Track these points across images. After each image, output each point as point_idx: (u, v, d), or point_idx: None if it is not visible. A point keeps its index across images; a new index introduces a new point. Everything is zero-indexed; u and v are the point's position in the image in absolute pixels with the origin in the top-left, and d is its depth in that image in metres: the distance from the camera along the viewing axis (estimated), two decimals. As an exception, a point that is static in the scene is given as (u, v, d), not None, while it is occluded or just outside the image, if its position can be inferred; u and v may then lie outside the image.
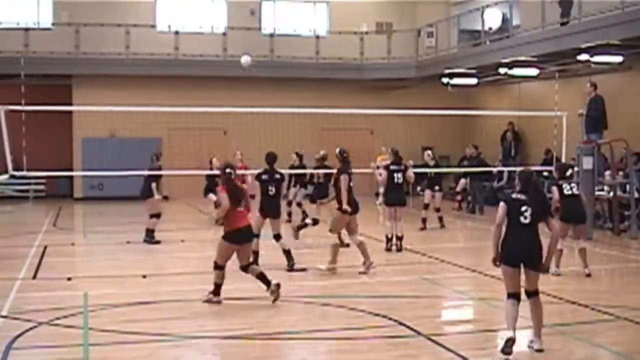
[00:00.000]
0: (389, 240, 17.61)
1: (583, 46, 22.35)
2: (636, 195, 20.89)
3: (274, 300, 11.37)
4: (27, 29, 30.20)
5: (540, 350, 9.09)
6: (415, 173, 18.98)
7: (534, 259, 9.24)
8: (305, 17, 34.18)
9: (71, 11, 30.69)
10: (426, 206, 22.12)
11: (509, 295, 9.27)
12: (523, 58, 25.58)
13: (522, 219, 9.22)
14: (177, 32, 31.30)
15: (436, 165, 22.99)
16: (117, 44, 30.38)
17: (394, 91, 33.58)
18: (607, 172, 21.45)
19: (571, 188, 14.45)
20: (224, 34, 32.04)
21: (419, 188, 28.77)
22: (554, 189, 14.44)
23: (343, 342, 9.66)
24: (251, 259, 12.23)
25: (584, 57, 23.31)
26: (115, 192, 28.40)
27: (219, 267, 11.58)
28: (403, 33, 33.11)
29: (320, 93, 31.33)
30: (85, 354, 9.05)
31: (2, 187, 30.41)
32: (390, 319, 10.59)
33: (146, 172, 19.43)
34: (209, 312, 9.93)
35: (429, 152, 23.08)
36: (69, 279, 13.96)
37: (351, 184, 14.82)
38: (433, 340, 9.51)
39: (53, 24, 31.10)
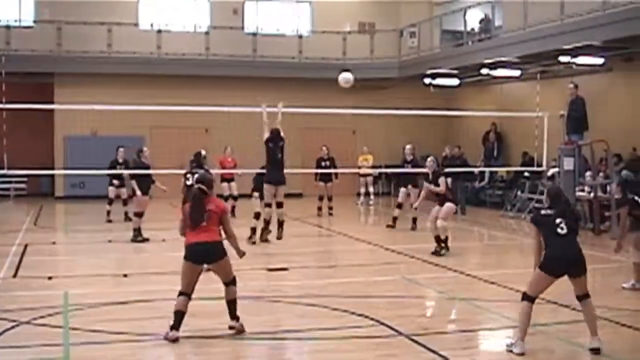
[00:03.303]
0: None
1: (565, 47, 22.45)
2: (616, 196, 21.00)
3: (234, 332, 10.01)
4: (8, 27, 30.08)
5: (595, 350, 9.07)
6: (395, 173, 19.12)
7: (580, 268, 9.29)
8: (288, 16, 34.14)
9: (53, 9, 30.54)
10: (399, 205, 21.88)
11: (527, 297, 9.33)
12: (505, 59, 25.67)
13: (559, 230, 9.23)
14: (159, 31, 31.23)
15: (414, 161, 22.34)
16: (100, 42, 30.28)
17: (377, 91, 33.58)
18: (588, 173, 21.55)
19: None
20: (207, 33, 31.97)
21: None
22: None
23: (325, 342, 9.65)
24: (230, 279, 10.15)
25: (565, 58, 23.43)
26: (97, 190, 28.25)
27: (180, 292, 9.92)
28: (386, 33, 33.15)
29: (302, 92, 31.30)
30: (66, 353, 9.01)
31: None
32: (371, 318, 10.59)
33: (129, 171, 19.49)
34: (191, 311, 9.88)
35: (409, 146, 22.59)
36: (50, 278, 13.89)
37: None
38: (414, 340, 9.52)
39: (35, 22, 30.98)
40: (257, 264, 14.68)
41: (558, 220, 9.22)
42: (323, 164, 25.19)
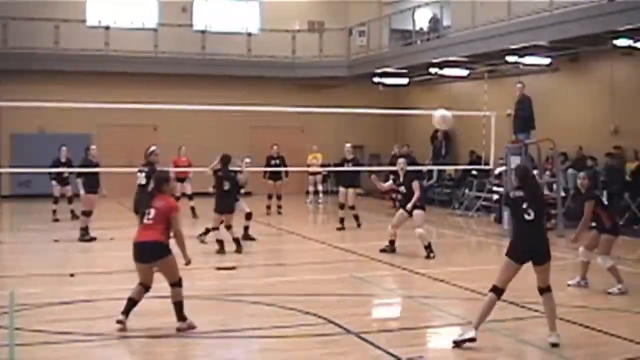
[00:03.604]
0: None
1: (512, 47, 22.67)
2: (563, 194, 21.29)
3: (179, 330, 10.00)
4: (-47, 23, 29.68)
5: (555, 345, 9.19)
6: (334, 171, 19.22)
7: (543, 255, 9.35)
8: (238, 14, 34.05)
9: (-1, 5, 30.20)
10: (342, 206, 21.59)
11: (494, 289, 9.43)
12: (453, 58, 25.84)
13: (526, 215, 9.28)
14: (107, 28, 30.96)
15: (355, 160, 22.17)
16: (47, 38, 29.94)
17: (326, 90, 33.66)
18: (535, 172, 21.75)
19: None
20: (155, 30, 31.78)
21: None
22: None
23: (273, 341, 9.65)
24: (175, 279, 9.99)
25: (513, 58, 23.66)
26: (44, 189, 27.90)
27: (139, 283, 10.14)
28: (335, 32, 33.21)
29: (251, 91, 31.30)
30: (12, 354, 8.91)
31: None
32: (320, 317, 10.61)
33: (76, 170, 19.35)
34: (139, 311, 9.84)
35: (349, 145, 22.31)
36: (-4, 277, 13.76)
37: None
38: (362, 338, 9.55)
39: (-20, 18, 30.60)
40: (206, 263, 14.63)
41: (525, 205, 9.27)
42: (273, 162, 25.09)
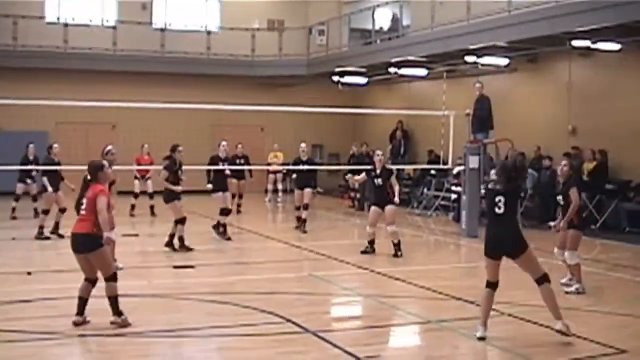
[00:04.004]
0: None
1: (471, 48, 22.78)
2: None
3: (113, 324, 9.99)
4: None
5: (561, 332, 9.37)
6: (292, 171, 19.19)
7: (513, 247, 9.32)
8: (197, 12, 33.91)
9: (-46, 0, 29.84)
10: (298, 208, 20.96)
11: (487, 284, 9.49)
12: (413, 58, 25.92)
13: (496, 209, 9.29)
14: (66, 25, 30.72)
15: (310, 161, 21.63)
16: (5, 35, 29.61)
17: (286, 89, 33.65)
18: (493, 171, 21.86)
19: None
20: (115, 28, 31.57)
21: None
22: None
23: (231, 340, 9.62)
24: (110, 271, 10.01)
25: (472, 58, 23.77)
26: (1, 187, 27.67)
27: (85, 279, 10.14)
28: (295, 31, 33.20)
29: (211, 89, 31.19)
30: (-33, 353, 8.84)
31: None
32: (278, 316, 10.60)
33: (40, 167, 19.24)
34: (95, 309, 9.78)
35: (304, 145, 21.41)
36: (-49, 276, 13.61)
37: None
38: (321, 337, 9.56)
39: None
40: (163, 262, 14.56)
41: (497, 199, 9.27)
42: (238, 161, 24.84)
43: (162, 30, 32.11)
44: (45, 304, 11.34)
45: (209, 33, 32.88)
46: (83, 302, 9.93)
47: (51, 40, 30.00)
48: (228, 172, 19.20)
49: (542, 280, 9.42)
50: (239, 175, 24.76)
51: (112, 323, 9.85)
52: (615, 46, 20.67)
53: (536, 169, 23.17)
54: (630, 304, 11.96)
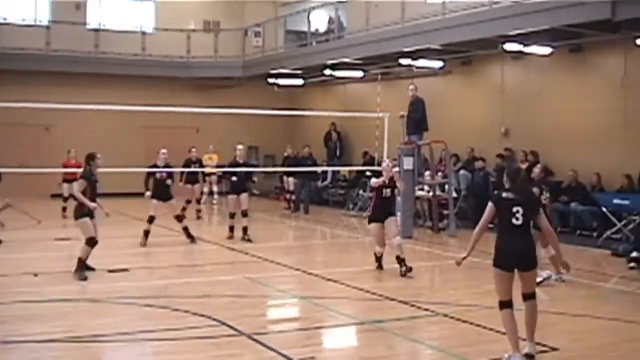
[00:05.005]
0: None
1: (405, 50, 22.94)
2: (454, 194, 21.70)
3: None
4: None
5: (529, 356, 8.75)
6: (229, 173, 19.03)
7: (529, 261, 8.76)
8: (132, 12, 33.61)
9: None
10: (232, 216, 19.63)
11: (503, 305, 8.71)
12: (348, 60, 26.02)
13: (514, 220, 8.63)
14: (-3, 24, 30.28)
15: (246, 164, 20.38)
16: None
17: (221, 90, 33.52)
18: (427, 173, 22.11)
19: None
20: (48, 27, 31.14)
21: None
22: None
23: (165, 343, 9.54)
24: None
25: (406, 61, 23.95)
26: None
27: None
28: (230, 32, 33.11)
29: (146, 90, 30.96)
30: None
31: None
32: (212, 318, 10.53)
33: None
34: (27, 314, 9.65)
35: (241, 147, 20.00)
36: None
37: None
38: (255, 340, 9.52)
39: None
40: (97, 265, 14.39)
41: (515, 209, 8.64)
42: (192, 166, 24.43)
43: (96, 30, 31.75)
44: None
45: (144, 33, 32.62)
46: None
47: (-19, 39, 29.54)
48: (169, 182, 18.77)
49: (532, 295, 8.87)
50: (192, 179, 24.43)
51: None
52: (546, 49, 21.01)
53: (469, 170, 23.39)
54: (561, 302, 12.13)
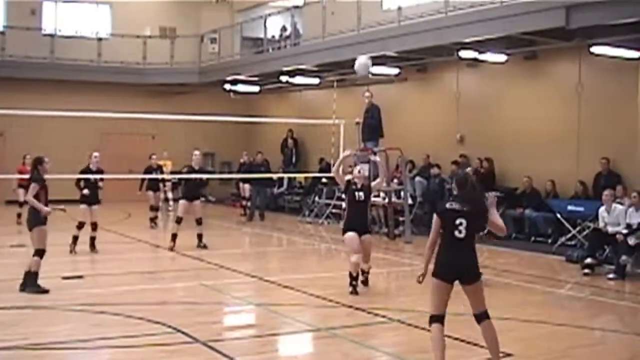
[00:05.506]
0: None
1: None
2: (410, 201, 21.78)
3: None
4: None
5: None
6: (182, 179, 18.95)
7: (470, 274, 8.28)
8: (88, 18, 33.39)
9: None
10: (179, 221, 18.94)
11: (434, 319, 8.24)
12: (304, 67, 26.05)
13: (456, 233, 8.17)
14: (-51, 29, 29.94)
15: (201, 170, 20.24)
16: None
17: (177, 96, 33.43)
18: (395, 180, 22.19)
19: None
20: (2, 33, 30.83)
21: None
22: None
23: (120, 351, 9.48)
24: None
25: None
26: None
27: None
28: (186, 38, 33.00)
29: (101, 96, 30.72)
30: None
31: None
32: (168, 325, 10.47)
33: None
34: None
35: (197, 153, 19.72)
36: None
37: None
38: (211, 347, 9.48)
39: None
40: (51, 272, 14.25)
41: (458, 221, 8.16)
42: (154, 172, 24.27)
43: (52, 35, 31.50)
44: None
45: (100, 39, 32.38)
46: None
47: None
48: (100, 185, 18.43)
49: (485, 315, 8.33)
50: (154, 186, 24.34)
51: None
52: (501, 57, 21.17)
53: (425, 176, 23.50)
54: (515, 307, 12.24)
